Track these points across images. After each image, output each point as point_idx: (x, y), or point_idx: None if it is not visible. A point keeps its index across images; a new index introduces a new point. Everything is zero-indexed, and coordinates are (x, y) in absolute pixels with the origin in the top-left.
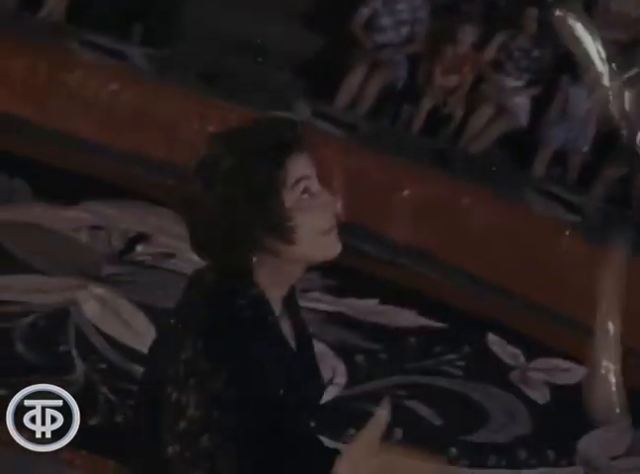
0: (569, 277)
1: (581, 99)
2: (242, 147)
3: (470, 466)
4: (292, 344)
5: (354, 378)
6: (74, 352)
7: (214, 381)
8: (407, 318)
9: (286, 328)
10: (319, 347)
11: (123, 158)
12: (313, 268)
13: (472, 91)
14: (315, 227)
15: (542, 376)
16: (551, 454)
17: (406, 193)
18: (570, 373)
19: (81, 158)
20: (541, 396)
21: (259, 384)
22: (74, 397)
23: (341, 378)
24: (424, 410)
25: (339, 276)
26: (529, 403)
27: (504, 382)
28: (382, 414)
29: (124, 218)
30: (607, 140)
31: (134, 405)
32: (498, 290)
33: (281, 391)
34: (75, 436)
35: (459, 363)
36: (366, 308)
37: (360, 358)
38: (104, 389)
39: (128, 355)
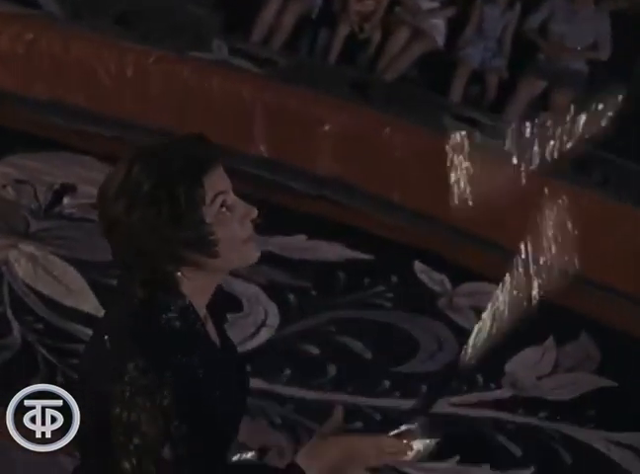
0: (489, 201)
1: (495, 17)
2: (160, 169)
3: (402, 397)
4: (217, 342)
5: (286, 318)
6: (9, 313)
7: (162, 396)
8: (335, 252)
9: (211, 329)
10: (251, 289)
11: (43, 108)
12: None
13: (388, 15)
14: (235, 238)
15: (468, 301)
16: (480, 379)
17: (327, 127)
18: (492, 296)
19: (0, 111)
20: (468, 321)
21: (199, 390)
22: (13, 360)
23: (273, 319)
24: (355, 344)
25: (265, 213)
26: (457, 329)
27: (431, 310)
28: (340, 409)
29: (49, 170)
30: (524, 58)
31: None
32: (421, 218)
33: (218, 392)
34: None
35: (388, 295)
36: (294, 245)
37: (291, 297)
38: (42, 350)
39: (63, 314)
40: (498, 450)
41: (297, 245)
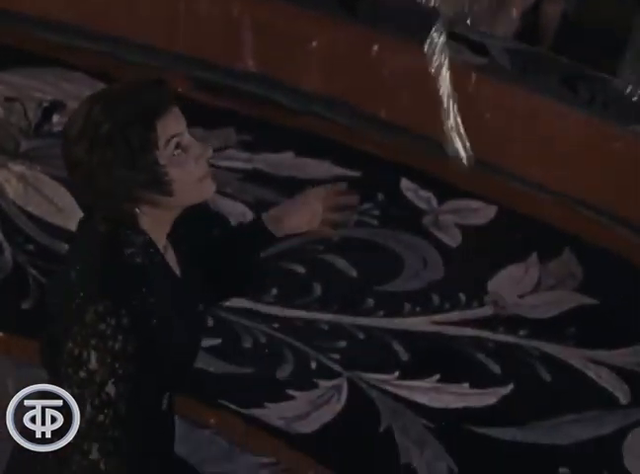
0: (478, 119)
1: None
2: (115, 114)
3: (386, 316)
4: (178, 272)
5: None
6: (0, 235)
7: (115, 340)
8: (322, 169)
9: (172, 259)
10: (238, 208)
11: (32, 23)
12: (227, 122)
13: None
14: (190, 177)
15: (453, 218)
16: (463, 297)
17: (315, 43)
18: (480, 213)
19: None
20: (453, 239)
21: (154, 332)
22: (4, 282)
23: None
24: (341, 263)
25: (253, 130)
26: (442, 247)
27: (417, 228)
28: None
29: (38, 87)
30: None
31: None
32: (409, 135)
33: (173, 325)
34: (9, 321)
35: (374, 212)
36: (282, 162)
37: None
38: (33, 271)
39: (54, 234)
40: (477, 368)
41: (285, 162)
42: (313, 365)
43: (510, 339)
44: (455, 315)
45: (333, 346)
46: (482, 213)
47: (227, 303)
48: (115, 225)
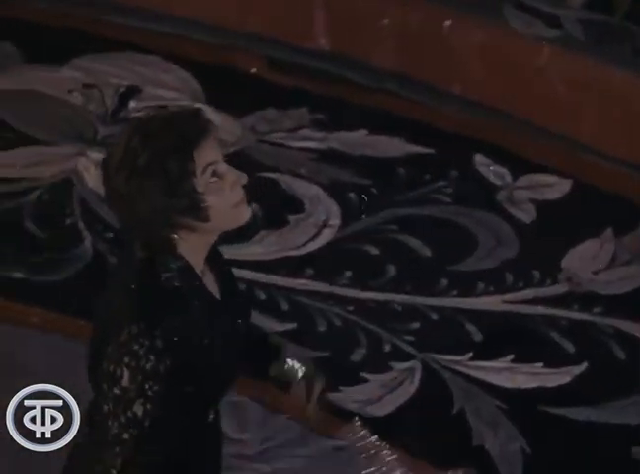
0: (552, 92)
1: None
2: (154, 145)
3: (458, 296)
4: (217, 294)
5: (347, 218)
6: (80, 224)
7: (148, 360)
8: (395, 147)
9: (210, 281)
10: (312, 189)
11: (105, 7)
12: (301, 102)
13: None
14: (226, 204)
15: (528, 194)
16: (537, 275)
17: (387, 20)
18: (555, 188)
19: (63, 12)
20: (527, 215)
21: (195, 348)
22: (84, 270)
23: (335, 220)
24: (414, 242)
25: (326, 108)
26: (515, 224)
27: (491, 204)
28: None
29: (115, 72)
30: None
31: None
32: (483, 110)
33: (206, 340)
34: (90, 310)
35: (448, 190)
36: (356, 141)
37: (352, 196)
38: (112, 259)
39: None
40: (551, 348)
41: (359, 141)
42: (387, 348)
43: (584, 316)
44: (529, 293)
45: (406, 327)
46: (557, 188)
47: (303, 287)
48: (153, 251)
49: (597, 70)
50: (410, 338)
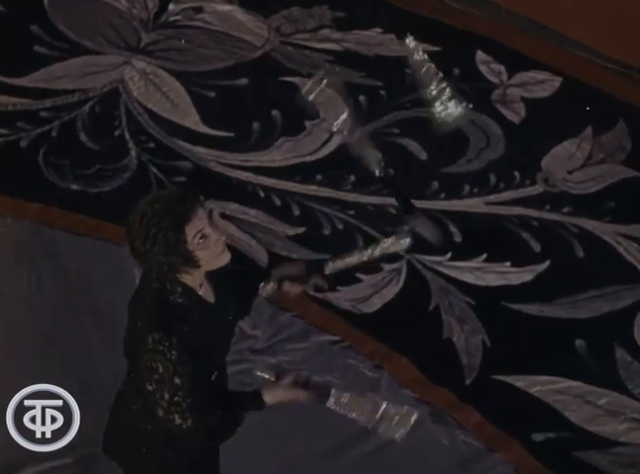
0: None
1: None
2: (158, 222)
3: (446, 198)
4: (212, 299)
5: (355, 122)
6: (127, 134)
7: (171, 354)
8: (405, 46)
9: (207, 291)
10: (327, 93)
11: None
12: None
13: None
14: (212, 254)
15: (520, 91)
16: (517, 176)
17: None
18: (545, 85)
19: None
20: (516, 115)
21: (195, 343)
22: (130, 181)
23: (345, 124)
24: (413, 145)
25: (347, 6)
26: (505, 124)
27: (486, 105)
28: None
29: None
30: None
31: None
32: (486, 4)
33: (210, 338)
34: None
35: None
36: (371, 40)
37: (362, 99)
38: (154, 169)
39: (171, 131)
40: (520, 247)
41: (374, 39)
42: None
43: (554, 217)
44: (509, 195)
45: (398, 230)
46: (547, 85)
47: (313, 192)
48: (163, 281)
49: None
50: None
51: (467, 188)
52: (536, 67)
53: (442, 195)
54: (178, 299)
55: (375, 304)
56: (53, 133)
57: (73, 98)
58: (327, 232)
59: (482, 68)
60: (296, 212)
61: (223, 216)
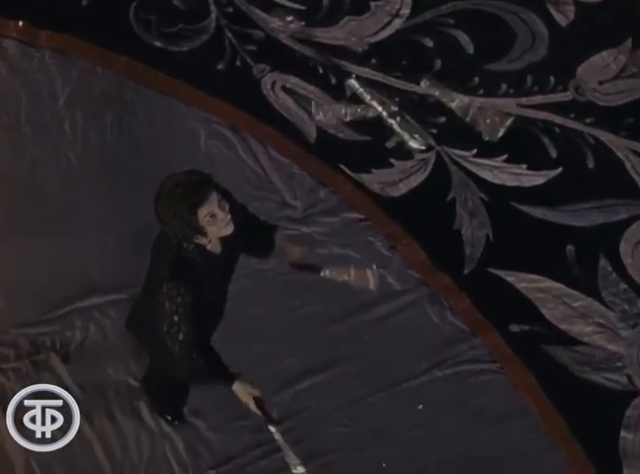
0: None
1: None
2: (176, 204)
3: (484, 95)
4: (219, 251)
5: (416, 9)
6: None
7: (179, 300)
8: None
9: (215, 244)
10: None
11: None
12: None
13: None
14: (218, 230)
15: None
16: (552, 80)
17: None
18: None
19: None
20: (565, 17)
21: (200, 293)
22: (207, 43)
23: (405, 9)
24: (463, 38)
25: None
26: (552, 25)
27: (537, 3)
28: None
29: None
30: None
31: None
32: None
33: (209, 283)
34: (205, 81)
35: None
36: None
37: None
38: (229, 35)
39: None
40: (539, 151)
41: None
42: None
43: (576, 125)
44: (539, 98)
45: (434, 120)
46: None
47: (366, 75)
48: (179, 240)
49: None
50: (434, 131)
51: (504, 87)
52: None
53: (481, 91)
54: (188, 254)
55: (401, 189)
56: None
57: None
58: (371, 115)
59: None
60: (348, 94)
61: (284, 89)
